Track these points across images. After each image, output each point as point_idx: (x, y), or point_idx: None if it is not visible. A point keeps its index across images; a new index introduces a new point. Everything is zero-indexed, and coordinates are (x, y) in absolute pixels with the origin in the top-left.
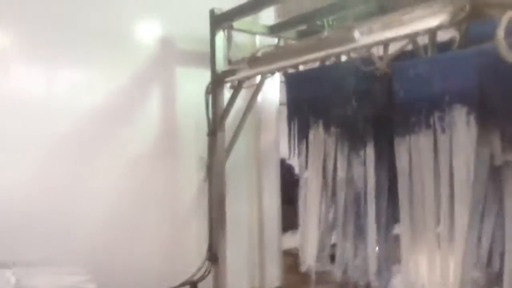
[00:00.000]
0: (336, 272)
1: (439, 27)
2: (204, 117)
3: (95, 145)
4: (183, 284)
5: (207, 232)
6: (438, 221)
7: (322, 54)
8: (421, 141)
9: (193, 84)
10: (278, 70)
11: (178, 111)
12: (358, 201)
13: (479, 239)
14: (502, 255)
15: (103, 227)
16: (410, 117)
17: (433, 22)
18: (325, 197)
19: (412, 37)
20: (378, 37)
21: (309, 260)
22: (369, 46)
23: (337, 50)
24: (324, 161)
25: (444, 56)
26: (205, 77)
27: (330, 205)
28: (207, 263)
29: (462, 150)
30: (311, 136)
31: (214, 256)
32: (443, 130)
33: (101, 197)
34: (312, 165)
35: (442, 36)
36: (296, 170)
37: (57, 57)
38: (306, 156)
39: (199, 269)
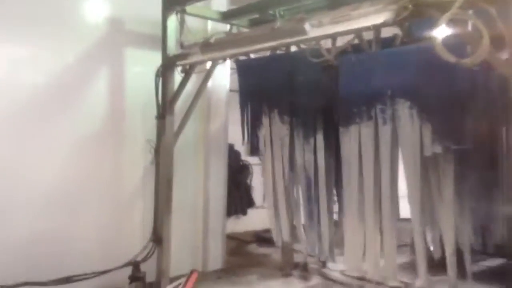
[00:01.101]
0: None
1: (384, 25)
2: (153, 100)
3: (37, 126)
4: (126, 264)
5: (153, 214)
6: (378, 207)
7: (274, 43)
8: (363, 132)
9: (142, 66)
10: (231, 57)
11: (126, 93)
12: (309, 186)
13: (414, 224)
14: (434, 239)
15: (44, 209)
16: (353, 109)
17: (378, 19)
18: (285, 182)
19: (359, 32)
20: (328, 30)
21: (284, 236)
22: (319, 39)
23: (288, 40)
24: (281, 148)
25: (387, 52)
26: (155, 60)
27: (291, 189)
28: (151, 244)
29: (404, 142)
30: (266, 124)
31: (158, 237)
32: (384, 122)
33: (42, 179)
34: (269, 152)
35: (386, 32)
36: (243, 156)
37: None
38: (262, 143)
39: (143, 250)
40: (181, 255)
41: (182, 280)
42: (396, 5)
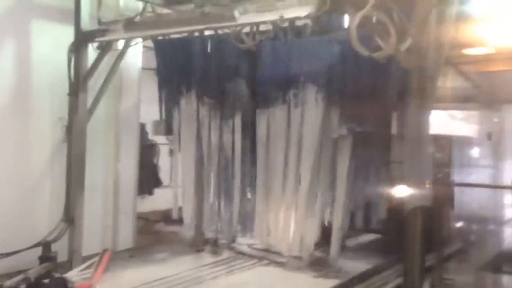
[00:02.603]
0: (207, 228)
1: (307, 17)
2: (64, 76)
3: None
4: (36, 245)
5: (64, 193)
6: (285, 184)
7: (203, 27)
8: (277, 114)
9: (52, 40)
10: (156, 37)
11: (33, 68)
12: (226, 165)
13: (316, 201)
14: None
15: None
16: (270, 92)
17: (301, 11)
18: (200, 161)
19: (282, 22)
20: (254, 18)
21: (188, 219)
22: (246, 25)
23: (217, 25)
24: (198, 129)
25: (302, 41)
26: (67, 34)
27: (207, 168)
28: (62, 224)
29: (310, 123)
30: (183, 104)
31: (70, 217)
32: (296, 105)
33: None
34: (186, 131)
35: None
36: (150, 136)
37: None
38: (178, 123)
39: (54, 230)
40: (92, 234)
41: (95, 259)
42: (317, 0)
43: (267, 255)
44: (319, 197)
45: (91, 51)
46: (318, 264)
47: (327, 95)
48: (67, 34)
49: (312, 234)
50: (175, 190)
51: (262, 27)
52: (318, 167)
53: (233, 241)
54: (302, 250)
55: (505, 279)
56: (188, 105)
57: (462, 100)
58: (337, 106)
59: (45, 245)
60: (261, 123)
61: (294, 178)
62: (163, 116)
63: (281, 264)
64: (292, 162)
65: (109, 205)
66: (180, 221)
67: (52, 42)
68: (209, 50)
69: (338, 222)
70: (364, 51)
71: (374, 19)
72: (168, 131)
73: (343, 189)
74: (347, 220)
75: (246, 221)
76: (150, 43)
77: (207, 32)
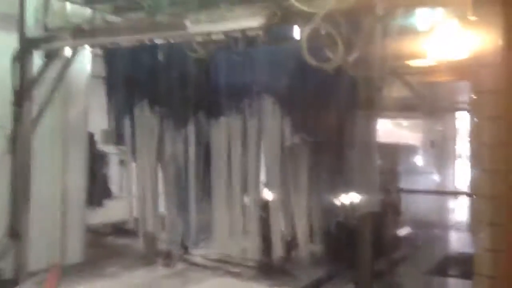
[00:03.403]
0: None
1: (257, 28)
2: (6, 84)
3: None
4: None
5: (7, 207)
6: (244, 193)
7: (153, 35)
8: (232, 124)
9: None
10: (105, 45)
11: None
12: (179, 175)
13: (281, 207)
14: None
15: None
16: (223, 102)
17: (252, 22)
18: (151, 171)
19: (234, 33)
20: (205, 28)
21: (148, 226)
22: (197, 35)
23: (169, 34)
24: (150, 137)
25: (254, 51)
26: (8, 41)
27: (156, 178)
28: (7, 239)
29: (268, 133)
30: (136, 113)
31: (15, 232)
32: (251, 115)
33: None
34: (139, 141)
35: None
36: (99, 145)
37: None
38: (129, 132)
39: None
40: (39, 249)
41: (43, 276)
42: (267, 11)
43: (222, 266)
44: (281, 204)
45: (37, 59)
46: (273, 273)
47: (280, 105)
48: (11, 41)
49: (276, 241)
50: (130, 200)
51: (214, 36)
52: (277, 176)
53: (186, 252)
54: (263, 256)
55: (451, 282)
56: (140, 114)
57: (407, 109)
58: (289, 115)
59: None
60: (215, 133)
61: (253, 186)
62: (113, 125)
63: (235, 274)
64: (251, 172)
65: (57, 218)
66: (133, 232)
67: None
68: (160, 58)
69: (301, 228)
70: (313, 62)
71: (323, 31)
72: (118, 140)
73: (304, 197)
74: (315, 223)
75: (199, 231)
76: (99, 50)
77: (158, 40)
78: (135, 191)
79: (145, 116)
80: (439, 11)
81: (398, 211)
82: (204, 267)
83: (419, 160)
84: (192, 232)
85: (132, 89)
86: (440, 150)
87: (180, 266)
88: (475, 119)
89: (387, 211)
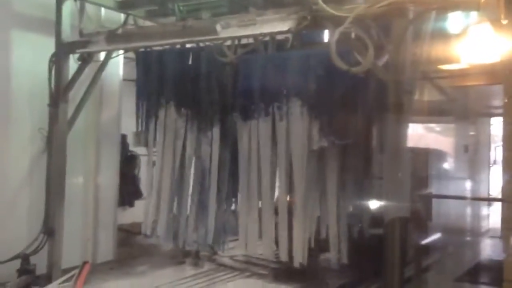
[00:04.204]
0: (184, 241)
1: (287, 32)
2: (45, 86)
3: None
4: (14, 258)
5: (43, 205)
6: (272, 195)
7: (185, 40)
8: (261, 127)
9: (33, 51)
10: (137, 49)
11: (13, 79)
12: (203, 177)
13: (309, 211)
14: (327, 225)
15: None
16: (251, 105)
17: (282, 26)
18: (174, 173)
19: (264, 36)
20: (236, 32)
21: (163, 231)
22: (227, 39)
23: (200, 38)
24: (175, 139)
25: (283, 54)
26: (48, 45)
27: (179, 180)
28: (41, 236)
29: (297, 136)
30: (161, 115)
31: (50, 229)
32: (281, 118)
33: None
34: (163, 142)
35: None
36: (131, 147)
37: None
38: (155, 134)
39: (33, 242)
40: (72, 247)
41: (75, 272)
42: (297, 15)
43: (249, 267)
44: (310, 208)
45: (72, 62)
46: (300, 276)
47: (309, 108)
48: (48, 45)
49: (304, 244)
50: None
51: (244, 40)
52: (304, 179)
53: (215, 253)
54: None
55: None
56: (166, 116)
57: (439, 114)
58: (317, 118)
59: (24, 257)
60: (243, 135)
61: (284, 189)
62: (141, 127)
63: (262, 276)
64: (282, 175)
65: (89, 217)
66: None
67: (33, 53)
68: (191, 61)
69: (333, 230)
70: (343, 66)
71: (353, 35)
72: (146, 142)
73: (334, 201)
74: (343, 228)
75: (222, 233)
76: (131, 54)
77: (188, 44)
78: (157, 192)
79: (171, 118)
80: (471, 14)
81: (429, 217)
82: (232, 268)
83: (451, 165)
84: (216, 234)
85: (160, 91)
86: (474, 156)
87: (207, 266)
88: (506, 123)
89: (417, 217)
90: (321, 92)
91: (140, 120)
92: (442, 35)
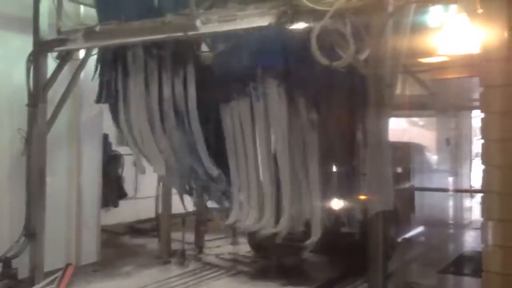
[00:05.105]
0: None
1: (268, 27)
2: (22, 86)
3: None
4: None
5: (23, 207)
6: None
7: (164, 36)
8: (241, 107)
9: (9, 50)
10: (116, 46)
11: None
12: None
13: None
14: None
15: None
16: (230, 86)
17: (262, 21)
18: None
19: (244, 31)
20: (216, 28)
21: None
22: (208, 35)
23: (179, 34)
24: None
25: (257, 35)
26: (25, 44)
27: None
28: (23, 239)
29: (275, 116)
30: (129, 59)
31: (31, 231)
32: (257, 99)
33: None
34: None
35: None
36: (114, 146)
37: None
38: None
39: (14, 245)
40: (54, 249)
41: (58, 274)
42: (277, 10)
43: (235, 265)
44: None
45: (51, 61)
46: (286, 272)
47: (289, 87)
48: (26, 44)
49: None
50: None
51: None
52: (287, 162)
53: (200, 251)
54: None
55: (467, 281)
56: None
57: (420, 107)
58: (302, 95)
59: (5, 261)
60: (225, 116)
61: (267, 171)
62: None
63: (249, 274)
64: (263, 154)
65: (72, 218)
66: (146, 233)
67: (9, 52)
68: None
69: (316, 215)
70: (324, 60)
71: (333, 29)
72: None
73: (315, 185)
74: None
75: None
76: None
77: None
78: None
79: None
80: (450, 7)
81: (412, 210)
82: (218, 266)
83: (434, 158)
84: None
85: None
86: (456, 149)
87: (193, 265)
88: (484, 114)
89: (400, 210)
90: (298, 71)
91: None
92: (422, 28)
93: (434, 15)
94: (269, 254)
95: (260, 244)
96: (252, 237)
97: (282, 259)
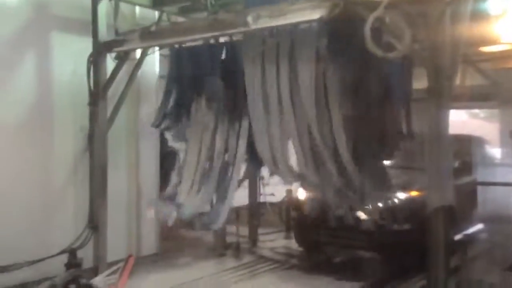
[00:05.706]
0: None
1: (320, 20)
2: (84, 86)
3: None
4: (61, 252)
5: (87, 201)
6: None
7: (216, 34)
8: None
9: (71, 52)
10: (171, 45)
11: (54, 80)
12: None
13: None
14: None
15: None
16: None
17: (313, 15)
18: (201, 163)
19: (295, 25)
20: (267, 23)
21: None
22: (259, 31)
23: (231, 31)
24: (203, 132)
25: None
26: (85, 45)
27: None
28: (87, 231)
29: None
30: (193, 109)
31: (94, 224)
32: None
33: None
34: (194, 136)
35: None
36: (170, 142)
37: None
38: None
39: (79, 237)
40: (116, 241)
41: (120, 265)
42: (329, 2)
43: (289, 259)
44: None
45: (110, 61)
46: (339, 267)
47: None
48: (86, 45)
49: None
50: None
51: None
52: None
53: (254, 244)
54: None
55: None
56: (197, 111)
57: (482, 99)
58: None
59: (71, 252)
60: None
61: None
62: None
63: (302, 267)
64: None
65: (132, 211)
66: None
67: (71, 53)
68: (221, 55)
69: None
70: (378, 52)
71: (387, 20)
72: (178, 136)
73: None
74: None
75: None
76: (167, 51)
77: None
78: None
79: (201, 113)
80: None
81: (473, 205)
82: (272, 260)
83: (497, 151)
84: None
85: (190, 86)
86: None
87: (247, 258)
88: None
89: (461, 205)
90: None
91: (164, 112)
92: (483, 16)
93: (495, 1)
94: (317, 251)
95: (307, 240)
96: (299, 233)
97: (331, 255)
